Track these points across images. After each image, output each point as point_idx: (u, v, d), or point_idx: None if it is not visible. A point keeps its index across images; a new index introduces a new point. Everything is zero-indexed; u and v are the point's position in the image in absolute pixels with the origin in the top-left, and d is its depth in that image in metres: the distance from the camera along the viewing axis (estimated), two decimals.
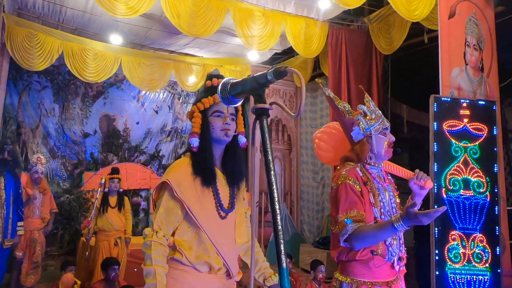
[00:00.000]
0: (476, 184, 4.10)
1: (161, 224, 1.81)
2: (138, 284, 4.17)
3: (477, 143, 4.20)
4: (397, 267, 2.06)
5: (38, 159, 5.14)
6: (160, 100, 9.21)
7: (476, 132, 4.21)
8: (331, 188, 2.14)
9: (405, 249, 2.16)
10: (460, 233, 4.00)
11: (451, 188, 4.07)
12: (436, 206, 2.14)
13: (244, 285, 5.19)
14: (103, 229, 5.00)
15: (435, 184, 4.02)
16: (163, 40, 7.20)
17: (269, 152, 0.79)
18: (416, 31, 5.97)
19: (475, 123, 4.22)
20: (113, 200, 5.09)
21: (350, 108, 2.18)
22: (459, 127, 4.20)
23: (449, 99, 4.28)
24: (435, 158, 4.12)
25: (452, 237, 3.98)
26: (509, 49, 5.34)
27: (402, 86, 6.87)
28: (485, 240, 4.02)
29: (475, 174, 4.13)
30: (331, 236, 2.35)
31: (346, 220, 1.95)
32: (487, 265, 3.97)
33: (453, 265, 3.94)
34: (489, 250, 4.01)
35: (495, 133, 4.27)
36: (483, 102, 4.38)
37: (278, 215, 0.76)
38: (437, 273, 3.93)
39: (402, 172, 2.09)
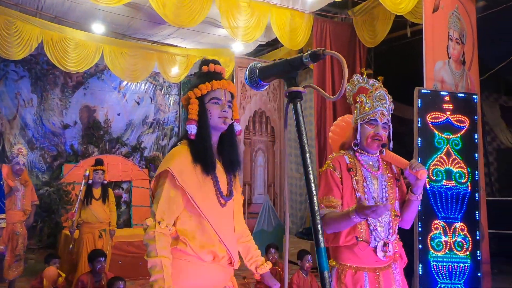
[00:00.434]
0: (458, 174, 4.21)
1: (163, 214, 1.77)
2: (122, 276, 4.16)
3: (459, 134, 4.31)
4: (380, 254, 2.07)
5: (19, 150, 5.01)
6: (142, 91, 9.09)
7: (458, 124, 4.32)
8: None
9: (397, 237, 2.17)
10: (442, 222, 4.11)
11: (434, 178, 4.17)
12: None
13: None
14: (87, 221, 4.92)
15: None
16: (146, 30, 7.09)
17: (304, 135, 0.80)
18: (399, 24, 6.06)
19: (457, 115, 4.33)
20: (97, 192, 5.02)
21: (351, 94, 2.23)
22: (442, 119, 4.30)
23: (432, 92, 4.38)
24: (418, 149, 4.21)
25: (435, 226, 4.09)
26: (489, 44, 5.49)
27: (385, 79, 6.97)
28: (466, 228, 4.14)
29: (457, 165, 4.24)
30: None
31: (321, 205, 2.09)
32: (467, 253, 4.10)
33: (435, 253, 4.05)
34: (469, 238, 4.13)
35: (476, 124, 4.39)
36: (465, 95, 4.49)
37: (314, 196, 0.77)
38: (420, 261, 4.03)
39: (399, 161, 2.13)
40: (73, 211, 4.79)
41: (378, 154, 2.21)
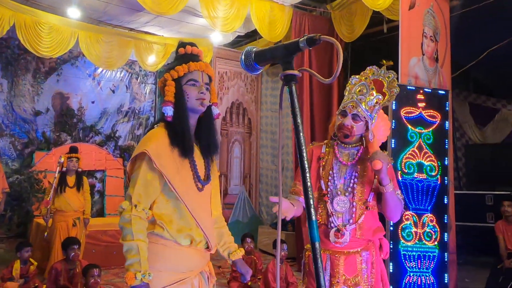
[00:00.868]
0: (428, 167, 4.37)
1: (140, 197, 1.74)
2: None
3: (430, 129, 4.46)
4: (331, 238, 2.14)
5: None
6: (117, 80, 8.93)
7: (430, 119, 4.47)
8: None
9: (377, 227, 2.20)
10: (413, 213, 4.26)
11: (406, 171, 4.31)
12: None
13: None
14: (60, 209, 4.85)
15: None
16: (123, 17, 6.96)
17: (298, 115, 0.84)
18: (376, 20, 6.16)
19: (429, 111, 4.47)
20: (71, 179, 4.95)
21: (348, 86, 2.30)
22: (415, 114, 4.44)
23: (407, 87, 4.50)
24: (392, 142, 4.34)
25: (406, 217, 4.24)
26: (461, 42, 5.66)
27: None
28: (434, 220, 4.31)
29: (428, 159, 4.39)
30: None
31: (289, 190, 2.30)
32: (435, 243, 4.27)
33: (405, 243, 4.20)
34: (438, 229, 4.31)
35: (446, 120, 4.55)
36: (437, 91, 4.65)
37: (307, 173, 0.81)
38: (391, 250, 4.17)
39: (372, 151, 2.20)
40: (48, 199, 4.70)
41: (359, 145, 2.26)
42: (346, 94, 2.27)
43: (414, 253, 4.22)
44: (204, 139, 1.92)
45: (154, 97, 9.34)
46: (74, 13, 6.32)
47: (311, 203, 0.80)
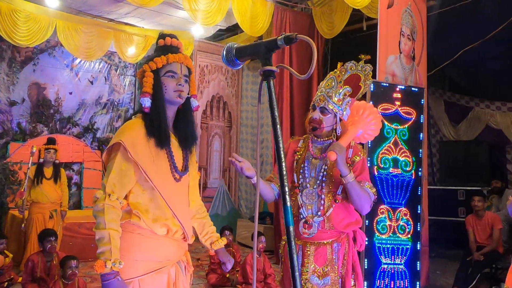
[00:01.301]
0: (403, 163, 4.50)
1: (114, 187, 1.75)
2: None
3: (406, 126, 4.58)
4: (300, 229, 2.21)
5: None
6: (96, 71, 8.79)
7: (406, 115, 4.59)
8: None
9: (325, 217, 2.20)
10: (387, 207, 4.38)
11: (382, 166, 4.43)
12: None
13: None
14: (37, 201, 4.80)
15: (369, 162, 4.35)
16: (103, 7, 6.86)
17: (275, 109, 0.90)
18: (356, 18, 6.27)
19: (405, 107, 4.59)
20: (48, 171, 4.88)
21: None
22: (392, 110, 4.55)
23: (384, 84, 4.61)
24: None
25: (381, 211, 4.36)
26: (437, 42, 5.82)
27: None
28: (408, 213, 4.45)
29: (403, 154, 4.52)
30: None
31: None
32: (409, 236, 4.41)
33: (380, 235, 4.33)
34: (411, 222, 4.44)
35: (421, 117, 4.69)
36: (413, 89, 4.77)
37: (283, 162, 0.86)
38: (366, 243, 4.28)
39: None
40: (22, 190, 4.64)
41: (331, 139, 2.30)
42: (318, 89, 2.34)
43: (388, 246, 4.35)
44: (182, 131, 1.93)
45: (133, 89, 9.25)
46: (52, 1, 6.20)
47: (286, 190, 0.86)
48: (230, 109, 8.42)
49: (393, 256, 4.31)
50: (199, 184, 7.34)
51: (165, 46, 1.90)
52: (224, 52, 1.03)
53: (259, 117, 1.03)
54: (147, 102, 1.81)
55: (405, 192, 4.48)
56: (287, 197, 0.85)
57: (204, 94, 7.96)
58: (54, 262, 4.04)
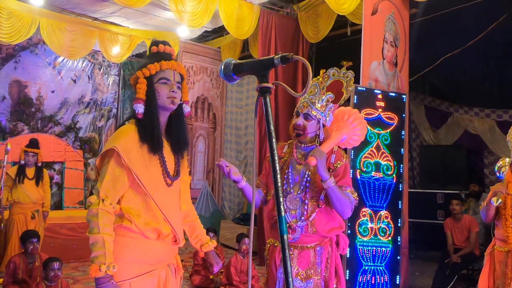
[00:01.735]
0: (385, 167, 4.60)
1: (107, 192, 1.78)
2: None
3: (388, 130, 4.69)
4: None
5: None
6: (79, 69, 8.69)
7: (388, 120, 4.69)
8: None
9: (308, 222, 2.24)
10: (369, 210, 4.48)
11: (364, 170, 4.52)
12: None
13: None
14: (18, 201, 4.72)
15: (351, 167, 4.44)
16: (87, 6, 6.80)
17: (271, 123, 0.94)
18: (341, 23, 6.37)
19: (388, 113, 4.70)
20: (30, 171, 4.82)
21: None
22: (374, 115, 4.64)
23: (367, 90, 4.71)
24: None
25: (363, 214, 4.45)
26: (419, 48, 5.96)
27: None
28: (389, 216, 4.55)
29: (385, 158, 4.62)
30: None
31: None
32: (389, 238, 4.51)
33: (362, 238, 4.41)
34: (392, 225, 4.55)
35: (403, 122, 4.80)
36: (395, 94, 4.88)
37: (278, 174, 0.91)
38: (348, 245, 4.37)
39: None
40: None
41: (314, 145, 2.33)
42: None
43: (369, 248, 4.44)
44: (174, 136, 1.96)
45: (117, 88, 9.17)
46: None
47: (281, 200, 0.91)
48: (214, 111, 8.44)
49: (374, 258, 4.41)
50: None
51: (158, 53, 1.94)
52: (222, 67, 1.08)
53: (256, 131, 1.08)
54: (140, 108, 1.85)
55: (386, 195, 4.58)
56: (282, 207, 0.90)
57: (188, 95, 7.94)
58: (37, 264, 3.99)
